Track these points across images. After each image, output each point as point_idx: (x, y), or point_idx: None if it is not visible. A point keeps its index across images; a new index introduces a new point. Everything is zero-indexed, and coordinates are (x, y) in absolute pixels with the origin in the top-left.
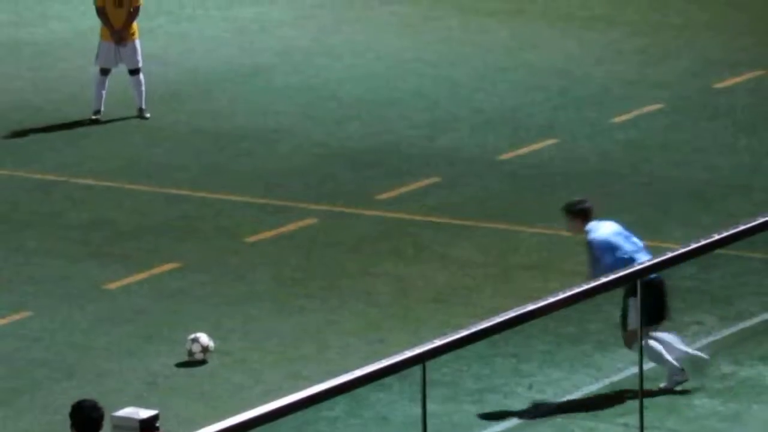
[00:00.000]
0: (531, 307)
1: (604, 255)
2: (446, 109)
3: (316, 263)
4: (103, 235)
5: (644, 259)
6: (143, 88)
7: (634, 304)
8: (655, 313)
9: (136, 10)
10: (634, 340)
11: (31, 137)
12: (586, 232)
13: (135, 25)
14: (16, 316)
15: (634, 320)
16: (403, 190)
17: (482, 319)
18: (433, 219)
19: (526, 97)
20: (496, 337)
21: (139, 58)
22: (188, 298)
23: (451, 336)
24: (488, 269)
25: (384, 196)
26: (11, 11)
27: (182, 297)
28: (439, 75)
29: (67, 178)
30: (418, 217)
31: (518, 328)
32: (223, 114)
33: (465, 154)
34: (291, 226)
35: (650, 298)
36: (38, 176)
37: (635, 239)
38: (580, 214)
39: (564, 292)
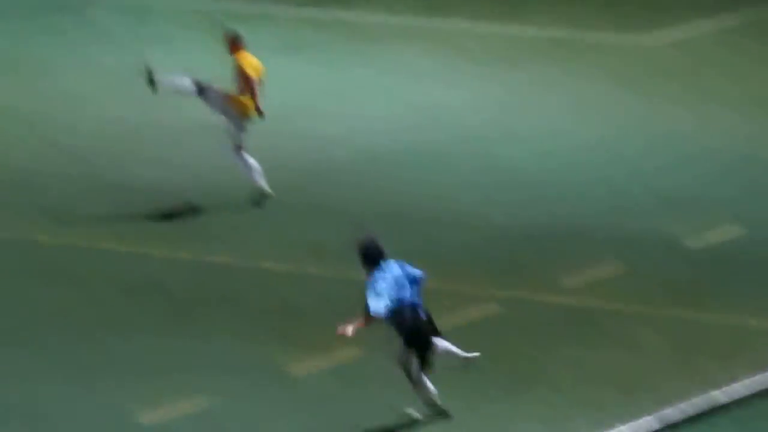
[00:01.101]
0: (718, 397)
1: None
2: (630, 194)
3: (499, 348)
4: (287, 320)
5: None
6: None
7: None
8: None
9: (251, 89)
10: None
11: (213, 219)
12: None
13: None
14: (201, 402)
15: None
16: (587, 275)
17: (667, 407)
18: (617, 305)
19: (711, 183)
20: (682, 425)
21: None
22: (373, 385)
23: (637, 424)
24: (673, 357)
25: (567, 281)
26: None
27: (367, 383)
28: (622, 160)
29: (250, 263)
30: (601, 303)
31: (704, 417)
32: (403, 196)
33: (649, 240)
34: (472, 311)
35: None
36: (221, 259)
37: None
38: (372, 259)
39: (751, 382)
